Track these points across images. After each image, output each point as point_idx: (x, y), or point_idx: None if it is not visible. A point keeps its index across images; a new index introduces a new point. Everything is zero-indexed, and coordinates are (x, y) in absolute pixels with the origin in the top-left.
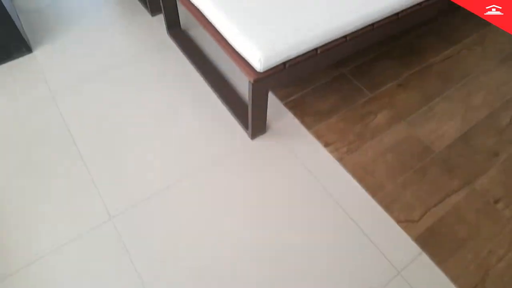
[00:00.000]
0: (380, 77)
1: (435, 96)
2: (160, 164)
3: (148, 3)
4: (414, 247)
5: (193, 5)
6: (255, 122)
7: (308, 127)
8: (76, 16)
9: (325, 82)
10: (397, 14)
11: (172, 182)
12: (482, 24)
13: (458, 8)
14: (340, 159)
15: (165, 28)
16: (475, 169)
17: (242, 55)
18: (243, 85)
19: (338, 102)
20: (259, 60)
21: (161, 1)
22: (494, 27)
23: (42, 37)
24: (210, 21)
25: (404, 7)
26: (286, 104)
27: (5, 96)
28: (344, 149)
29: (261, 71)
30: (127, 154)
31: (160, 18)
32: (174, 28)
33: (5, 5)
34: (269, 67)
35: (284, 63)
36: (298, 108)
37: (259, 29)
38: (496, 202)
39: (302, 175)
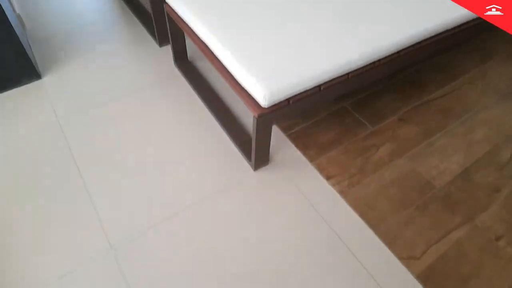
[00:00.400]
0: (381, 111)
1: (436, 131)
2: (162, 194)
3: (156, 34)
4: (416, 285)
5: (201, 40)
6: (258, 154)
7: (310, 159)
8: (86, 45)
9: (327, 114)
10: (398, 52)
11: (174, 213)
12: (483, 59)
13: (459, 42)
14: (342, 193)
15: (172, 58)
16: (477, 205)
17: (247, 90)
18: (247, 116)
19: (340, 135)
20: (264, 97)
21: (169, 33)
22: (495, 62)
23: (52, 64)
24: (217, 56)
25: (405, 46)
26: (289, 136)
27: (12, 121)
28: (345, 182)
29: (266, 106)
30: (129, 184)
31: (168, 49)
32: (181, 59)
33: (18, 34)
34: (273, 103)
35: (288, 99)
36: (300, 140)
37: (265, 67)
38: (498, 239)
39: (304, 208)
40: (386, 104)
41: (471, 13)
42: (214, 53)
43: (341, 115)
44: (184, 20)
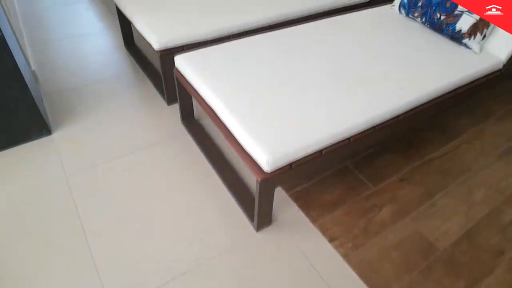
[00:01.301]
0: (382, 170)
1: (437, 191)
2: (164, 254)
3: (165, 94)
4: None
5: (207, 104)
6: (261, 215)
7: (313, 220)
8: (97, 100)
9: (329, 174)
10: (397, 116)
11: (176, 273)
12: (479, 118)
13: (456, 103)
14: (345, 256)
15: (179, 116)
16: (481, 268)
17: (250, 155)
18: (250, 177)
19: (342, 195)
20: (267, 162)
21: (177, 94)
22: (491, 121)
23: (63, 119)
24: (222, 121)
25: (404, 110)
26: (291, 195)
27: (20, 176)
28: (349, 244)
29: (269, 171)
30: (131, 242)
31: (176, 107)
32: (188, 117)
33: (32, 91)
34: (276, 168)
35: (290, 164)
36: (303, 200)
37: (268, 133)
38: None
39: (306, 271)
40: (387, 163)
41: (468, 75)
42: (220, 117)
43: (343, 174)
44: (192, 85)
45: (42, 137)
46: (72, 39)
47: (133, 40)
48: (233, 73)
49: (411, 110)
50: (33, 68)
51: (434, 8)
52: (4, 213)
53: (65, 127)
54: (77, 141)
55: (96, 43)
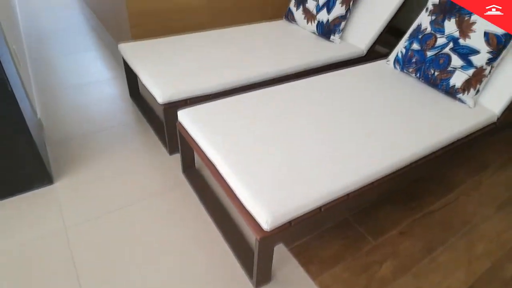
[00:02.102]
0: (382, 223)
1: (437, 245)
2: None
3: (167, 144)
4: None
5: (208, 159)
6: (260, 272)
7: (313, 276)
8: (100, 149)
9: (329, 227)
10: (394, 172)
11: None
12: (477, 169)
13: (454, 155)
14: None
15: (180, 166)
16: None
17: (250, 213)
18: (250, 231)
19: (342, 249)
20: (266, 222)
21: (179, 146)
22: (489, 172)
23: (65, 168)
24: (223, 177)
25: (400, 166)
26: (291, 250)
27: (18, 226)
28: None
29: (268, 230)
30: None
31: (177, 157)
32: (189, 168)
33: (36, 141)
34: (275, 226)
35: (290, 222)
36: (302, 255)
37: (267, 192)
38: None
39: None
40: (386, 216)
41: (464, 129)
42: (220, 173)
43: (343, 227)
44: (193, 139)
45: (43, 187)
46: (79, 87)
47: (138, 90)
48: (233, 128)
49: (408, 165)
50: (39, 116)
51: (428, 64)
52: (2, 267)
53: (67, 176)
54: (79, 190)
55: (102, 92)
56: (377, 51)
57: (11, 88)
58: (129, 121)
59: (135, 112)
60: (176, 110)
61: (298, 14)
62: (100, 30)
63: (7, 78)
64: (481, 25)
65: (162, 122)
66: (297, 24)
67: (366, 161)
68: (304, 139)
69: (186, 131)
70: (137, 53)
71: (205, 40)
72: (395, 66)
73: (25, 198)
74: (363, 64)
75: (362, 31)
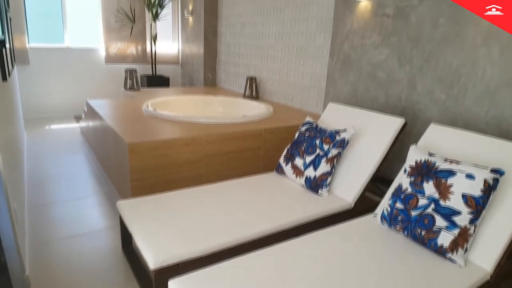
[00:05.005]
0: None
1: None
2: None
3: None
4: None
5: None
6: None
7: None
8: None
9: None
10: None
11: None
12: None
13: None
14: None
15: None
16: None
17: None
18: None
19: None
20: None
21: None
22: None
23: None
24: None
25: None
26: None
27: None
28: None
29: None
30: None
31: None
32: None
33: None
34: None
35: None
36: None
37: None
38: None
39: None
40: None
41: None
42: None
43: None
44: None
45: None
46: (72, 239)
47: (131, 243)
48: None
49: None
50: (27, 273)
51: (413, 223)
52: None
53: None
54: None
55: (95, 244)
56: (366, 198)
57: (4, 258)
58: (118, 279)
59: (126, 269)
60: (167, 275)
61: (288, 169)
62: (101, 176)
63: (3, 251)
64: (458, 188)
65: (151, 280)
66: (287, 177)
67: None
68: None
69: None
70: (133, 212)
71: (200, 196)
72: (382, 222)
73: None
74: (351, 220)
75: (348, 184)
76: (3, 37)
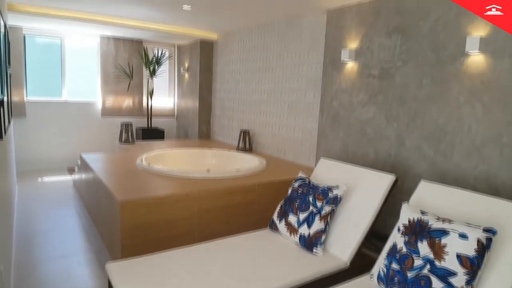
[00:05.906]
0: None
1: None
2: None
3: None
4: None
5: None
6: None
7: None
8: None
9: None
10: None
11: None
12: None
13: None
14: None
15: None
16: None
17: None
18: None
19: None
20: None
21: None
22: None
23: None
24: None
25: None
26: None
27: None
28: None
29: None
30: None
31: None
32: None
33: None
34: None
35: None
36: None
37: None
38: None
39: None
40: None
41: None
42: None
43: None
44: None
45: None
46: None
47: None
48: None
49: None
50: None
51: (410, 285)
52: None
53: None
54: None
55: None
56: (362, 254)
57: None
58: None
59: None
60: None
61: (282, 226)
62: (91, 232)
63: None
64: (452, 248)
65: None
66: (281, 234)
67: None
68: None
69: None
70: (122, 276)
71: (192, 257)
72: (379, 283)
73: None
74: (348, 282)
75: (343, 242)
76: (2, 96)
